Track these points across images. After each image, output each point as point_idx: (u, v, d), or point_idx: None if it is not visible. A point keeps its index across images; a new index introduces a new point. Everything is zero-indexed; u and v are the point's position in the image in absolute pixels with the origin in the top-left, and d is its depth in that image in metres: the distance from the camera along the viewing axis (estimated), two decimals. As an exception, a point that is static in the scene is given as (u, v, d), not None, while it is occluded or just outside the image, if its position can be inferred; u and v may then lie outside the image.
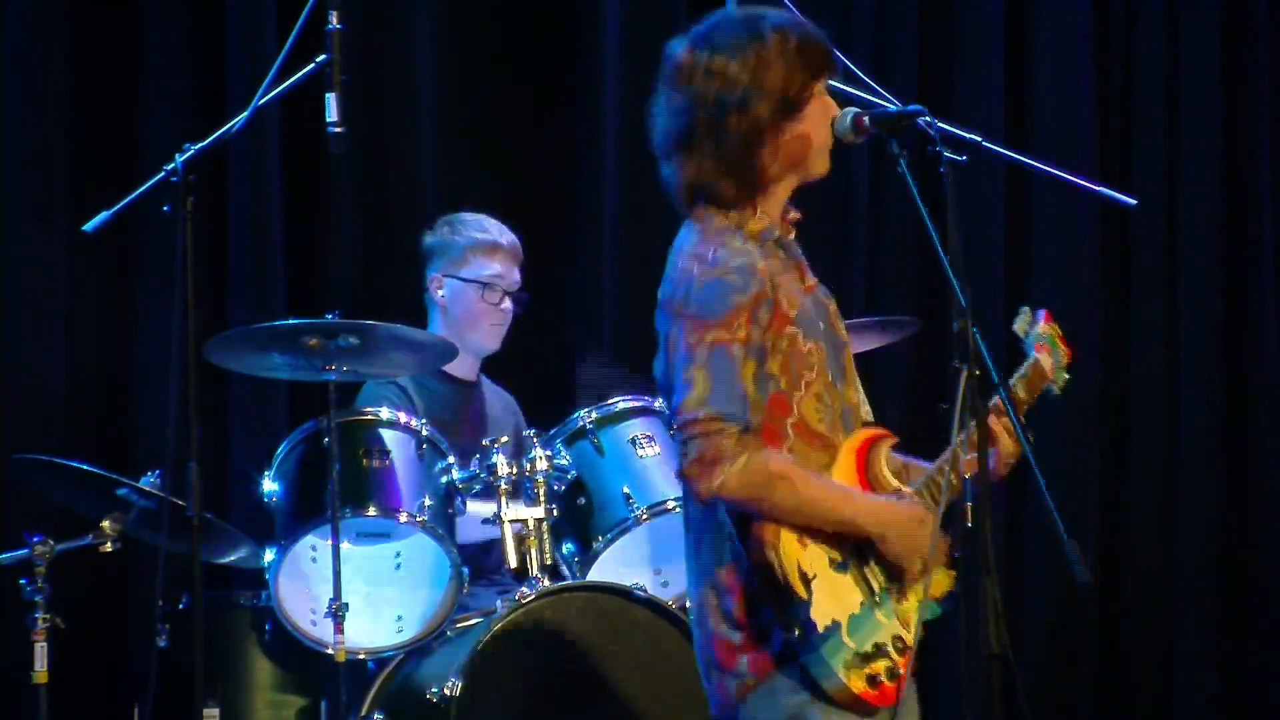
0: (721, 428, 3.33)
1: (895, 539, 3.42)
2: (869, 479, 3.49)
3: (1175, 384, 6.83)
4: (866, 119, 3.51)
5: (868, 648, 3.37)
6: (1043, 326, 3.86)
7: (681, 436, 3.37)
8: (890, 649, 3.40)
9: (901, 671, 3.40)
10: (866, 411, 3.62)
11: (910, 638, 3.43)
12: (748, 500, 3.36)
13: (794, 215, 3.60)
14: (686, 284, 3.43)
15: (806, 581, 3.35)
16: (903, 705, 3.44)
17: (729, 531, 3.42)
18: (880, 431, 3.55)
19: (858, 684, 3.36)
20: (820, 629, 3.33)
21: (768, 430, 3.41)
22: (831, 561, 3.40)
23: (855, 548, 3.43)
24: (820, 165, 3.55)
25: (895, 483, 3.50)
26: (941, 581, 3.50)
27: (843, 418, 3.52)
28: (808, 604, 3.34)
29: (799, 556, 3.36)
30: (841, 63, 3.63)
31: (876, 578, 3.43)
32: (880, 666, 3.37)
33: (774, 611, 3.36)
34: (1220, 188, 6.87)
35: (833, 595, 3.37)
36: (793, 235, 3.59)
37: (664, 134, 3.53)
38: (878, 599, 3.42)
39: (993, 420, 3.51)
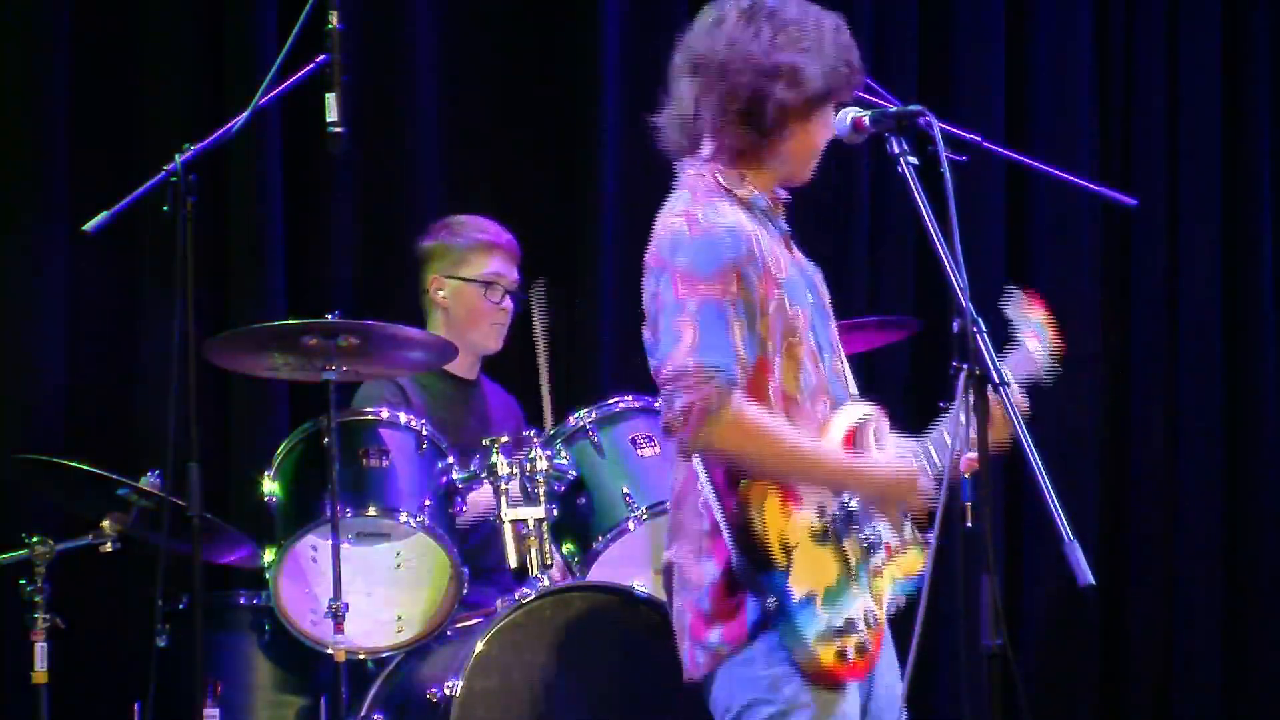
0: (710, 378, 3.32)
1: (879, 500, 3.47)
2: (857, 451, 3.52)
3: (1176, 384, 6.84)
4: (866, 119, 3.52)
5: (840, 621, 3.40)
6: (1034, 313, 3.88)
7: (667, 388, 3.35)
8: (862, 623, 3.43)
9: (872, 647, 3.42)
10: (852, 384, 3.64)
11: (882, 614, 3.48)
12: (733, 453, 3.36)
13: (784, 195, 3.63)
14: (675, 239, 3.43)
15: (787, 551, 3.36)
16: (880, 681, 3.49)
17: (708, 497, 3.42)
18: (870, 409, 3.56)
19: (827, 657, 3.38)
20: (796, 599, 3.35)
21: (752, 390, 3.41)
22: (812, 533, 3.42)
23: (836, 521, 3.44)
24: (807, 172, 3.59)
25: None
26: (914, 560, 3.52)
27: (829, 387, 3.53)
28: (785, 572, 3.35)
29: (782, 526, 3.37)
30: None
31: (855, 552, 3.45)
32: (851, 641, 3.40)
33: (750, 578, 3.36)
34: (1220, 187, 6.87)
35: (811, 567, 3.39)
36: (781, 214, 3.61)
37: (695, 66, 3.50)
38: (854, 573, 3.45)
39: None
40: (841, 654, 3.39)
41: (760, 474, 3.37)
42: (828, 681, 3.39)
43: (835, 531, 3.44)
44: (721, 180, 3.51)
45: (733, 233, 3.41)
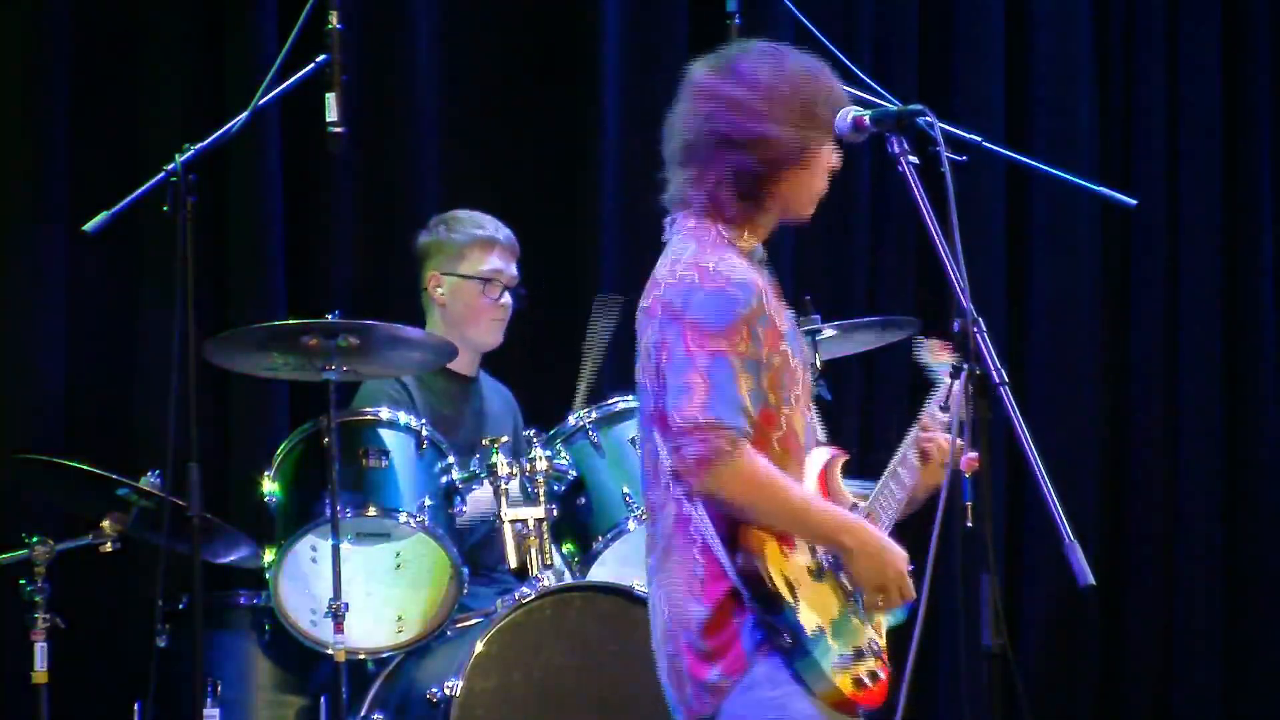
0: (721, 430, 3.36)
1: (864, 564, 3.49)
2: (830, 493, 3.58)
3: (1175, 384, 6.84)
4: (867, 118, 3.52)
5: (849, 650, 3.45)
6: (946, 357, 3.89)
7: (677, 438, 3.39)
8: (868, 652, 3.48)
9: (883, 675, 3.48)
10: (819, 430, 3.70)
11: (883, 641, 3.54)
12: (740, 501, 3.40)
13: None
14: (686, 291, 3.45)
15: (792, 589, 3.40)
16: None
17: (703, 544, 3.44)
18: (837, 450, 3.63)
19: (846, 685, 3.43)
20: (809, 633, 3.39)
21: (757, 443, 3.45)
22: (809, 570, 3.48)
23: (827, 557, 3.50)
24: (808, 212, 3.62)
25: (851, 499, 3.61)
26: None
27: (810, 433, 3.61)
28: (795, 609, 3.40)
29: (782, 566, 3.41)
30: (842, 63, 3.64)
31: (850, 584, 3.48)
32: (863, 669, 3.45)
33: (761, 620, 3.40)
34: (1220, 188, 6.87)
35: (815, 602, 3.44)
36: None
37: (682, 146, 3.55)
38: (853, 604, 3.50)
39: (926, 444, 3.64)
40: (858, 681, 3.44)
41: (759, 523, 3.42)
42: (847, 709, 3.45)
43: (830, 567, 3.49)
44: (724, 232, 3.53)
45: (744, 287, 3.44)
